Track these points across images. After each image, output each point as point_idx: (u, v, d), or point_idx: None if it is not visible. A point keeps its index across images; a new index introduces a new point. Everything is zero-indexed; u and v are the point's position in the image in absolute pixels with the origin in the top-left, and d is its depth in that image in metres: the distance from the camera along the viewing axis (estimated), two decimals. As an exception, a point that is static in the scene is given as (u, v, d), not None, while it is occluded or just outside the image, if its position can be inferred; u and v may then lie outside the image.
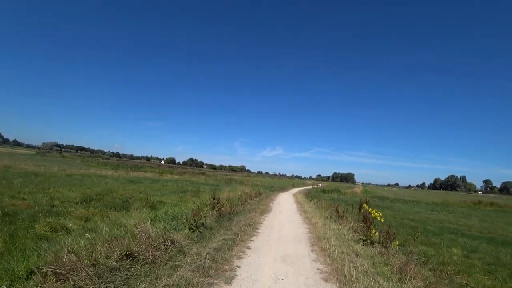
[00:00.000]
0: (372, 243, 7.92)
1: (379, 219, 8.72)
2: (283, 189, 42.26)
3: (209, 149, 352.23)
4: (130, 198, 14.27)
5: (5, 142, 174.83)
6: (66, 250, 3.86)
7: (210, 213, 9.69)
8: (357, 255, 6.35)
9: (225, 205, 11.14)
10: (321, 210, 14.98)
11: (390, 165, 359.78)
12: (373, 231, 8.27)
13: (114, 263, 4.15)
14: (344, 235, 8.55)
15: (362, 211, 9.54)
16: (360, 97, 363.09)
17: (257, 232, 8.10)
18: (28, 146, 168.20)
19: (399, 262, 6.42)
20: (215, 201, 9.82)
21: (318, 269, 5.10)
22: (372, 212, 8.79)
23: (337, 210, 12.19)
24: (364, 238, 8.08)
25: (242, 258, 5.41)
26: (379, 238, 8.04)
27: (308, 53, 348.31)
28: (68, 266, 3.56)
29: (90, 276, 3.67)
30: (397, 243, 8.13)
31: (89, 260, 3.99)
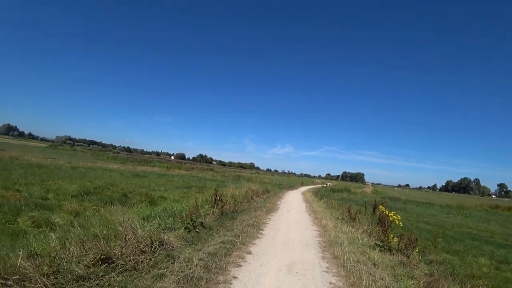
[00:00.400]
0: (390, 249, 7.04)
1: (397, 222, 7.81)
2: (292, 187, 41.36)
3: (219, 145, 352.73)
4: (131, 192, 13.70)
5: (21, 135, 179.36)
6: (21, 253, 3.15)
7: (211, 211, 8.96)
8: (375, 265, 5.50)
9: (228, 203, 10.40)
10: (332, 211, 14.11)
11: (401, 165, 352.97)
12: (391, 235, 7.39)
13: (82, 270, 3.42)
14: (358, 240, 7.69)
15: (377, 213, 8.65)
16: (370, 96, 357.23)
17: (261, 234, 7.31)
18: (43, 140, 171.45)
19: (424, 275, 5.55)
20: (217, 198, 9.07)
21: (330, 284, 4.28)
22: (390, 214, 7.90)
23: (349, 211, 11.31)
24: (380, 244, 7.21)
25: (240, 266, 4.63)
26: (398, 244, 7.16)
27: (320, 50, 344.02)
28: (17, 276, 2.84)
29: (47, 287, 2.95)
30: (417, 250, 7.24)
31: (50, 266, 3.27)
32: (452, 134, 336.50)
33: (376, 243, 7.37)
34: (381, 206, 8.43)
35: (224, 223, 8.03)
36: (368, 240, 7.82)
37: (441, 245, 9.52)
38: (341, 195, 37.67)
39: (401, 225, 7.97)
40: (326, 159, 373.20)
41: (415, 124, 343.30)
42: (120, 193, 12.60)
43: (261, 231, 7.58)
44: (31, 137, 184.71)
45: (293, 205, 15.26)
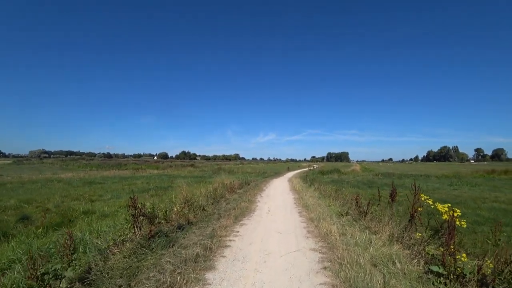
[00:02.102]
0: (460, 282, 3.53)
1: (459, 223, 4.24)
2: (277, 174, 37.96)
3: (202, 140, 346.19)
4: (47, 210, 9.68)
5: None
6: None
7: (132, 232, 5.19)
8: None
9: (169, 215, 6.65)
10: (328, 201, 10.60)
11: (382, 141, 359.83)
12: (458, 255, 3.83)
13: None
14: (396, 265, 4.10)
15: (414, 206, 5.12)
16: (347, 75, 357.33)
17: (206, 280, 3.61)
18: (15, 156, 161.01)
19: None
20: (137, 212, 5.23)
21: None
22: (442, 208, 4.36)
23: (357, 202, 7.76)
24: (442, 272, 3.68)
25: None
26: (477, 272, 3.59)
27: (293, 35, 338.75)
28: None
29: None
30: (490, 265, 3.73)
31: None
32: (430, 105, 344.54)
33: (430, 269, 3.84)
34: (422, 195, 4.86)
35: (144, 259, 4.27)
36: (413, 263, 4.24)
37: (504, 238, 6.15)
38: (331, 177, 34.64)
39: (464, 226, 4.42)
40: (309, 142, 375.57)
41: (394, 99, 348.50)
42: (18, 215, 8.52)
43: (206, 275, 3.84)
44: (1, 155, 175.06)
45: (277, 199, 11.64)
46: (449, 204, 4.44)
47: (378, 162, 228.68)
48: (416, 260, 4.30)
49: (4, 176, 28.34)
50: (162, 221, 6.32)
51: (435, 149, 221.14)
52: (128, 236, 5.11)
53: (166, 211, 6.76)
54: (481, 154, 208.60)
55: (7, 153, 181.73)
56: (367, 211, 7.32)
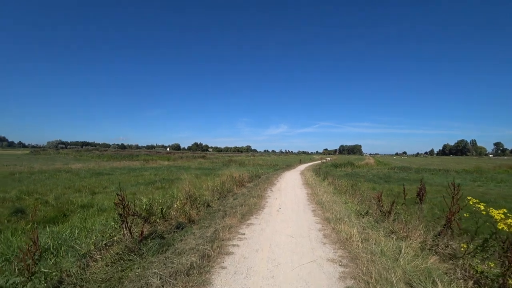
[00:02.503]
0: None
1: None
2: (289, 166, 37.08)
3: (214, 132, 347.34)
4: (46, 202, 9.21)
5: (10, 145, 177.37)
6: None
7: (121, 233, 4.51)
8: None
9: (167, 212, 5.97)
10: (344, 197, 9.72)
11: (396, 134, 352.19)
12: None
13: None
14: (438, 286, 3.26)
15: (451, 208, 4.24)
16: (360, 68, 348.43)
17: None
18: (33, 147, 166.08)
19: None
20: (125, 212, 4.52)
21: None
22: (498, 215, 3.48)
23: (379, 200, 6.86)
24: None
25: None
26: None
27: (306, 28, 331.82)
28: None
29: None
30: None
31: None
32: (445, 98, 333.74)
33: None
34: (469, 197, 3.95)
35: (130, 268, 3.58)
36: (458, 280, 3.38)
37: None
38: (345, 170, 33.53)
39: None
40: (321, 135, 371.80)
41: (408, 92, 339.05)
42: (13, 208, 8.03)
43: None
44: (22, 145, 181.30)
45: (289, 194, 10.84)
46: (504, 210, 3.54)
47: (392, 155, 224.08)
48: (463, 279, 3.44)
49: (18, 166, 28.62)
50: (158, 220, 5.62)
51: (451, 142, 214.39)
52: (115, 238, 4.43)
53: (163, 208, 6.07)
54: (501, 148, 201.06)
55: (26, 144, 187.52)
56: (390, 211, 6.44)
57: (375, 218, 6.55)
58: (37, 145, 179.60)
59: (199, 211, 7.12)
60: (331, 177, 17.37)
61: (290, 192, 11.51)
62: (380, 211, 6.81)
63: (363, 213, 7.09)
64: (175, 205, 6.50)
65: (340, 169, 35.64)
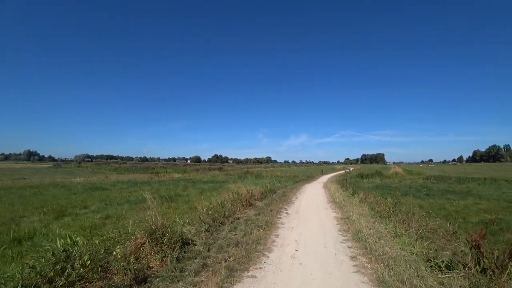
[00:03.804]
0: None
1: None
2: (310, 178, 33.84)
3: (234, 144, 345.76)
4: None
5: (41, 159, 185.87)
6: None
7: None
8: None
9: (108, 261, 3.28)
10: (392, 225, 6.67)
11: (419, 141, 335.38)
12: None
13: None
14: None
15: None
16: (380, 74, 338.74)
17: None
18: (62, 161, 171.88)
19: None
20: None
21: None
22: None
23: (477, 246, 3.85)
24: None
25: None
26: None
27: (324, 36, 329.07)
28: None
29: None
30: None
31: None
32: (471, 102, 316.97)
33: None
34: None
35: None
36: None
37: None
38: (373, 181, 29.86)
39: None
40: (342, 144, 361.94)
41: (431, 97, 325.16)
42: None
43: None
44: (52, 159, 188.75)
45: (312, 219, 7.87)
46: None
47: (418, 163, 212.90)
48: None
49: (27, 179, 27.46)
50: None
51: (482, 148, 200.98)
52: None
53: (94, 256, 3.40)
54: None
55: (56, 158, 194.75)
56: (503, 263, 3.44)
57: (468, 275, 3.56)
58: (66, 158, 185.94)
59: (165, 257, 4.40)
60: (363, 192, 14.22)
61: (312, 215, 8.54)
62: (478, 263, 3.79)
63: (441, 264, 4.08)
64: (116, 252, 3.81)
65: (367, 180, 31.92)
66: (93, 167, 79.55)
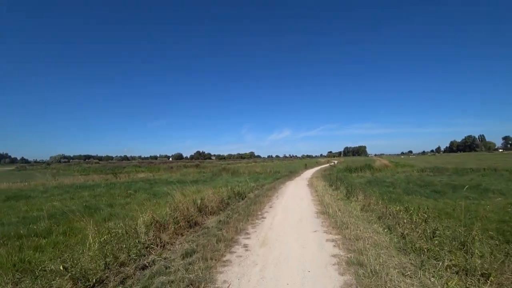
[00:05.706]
0: None
1: None
2: (293, 173, 30.43)
3: (218, 139, 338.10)
4: None
5: (13, 161, 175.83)
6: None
7: None
8: None
9: None
10: (433, 264, 3.17)
11: (399, 133, 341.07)
12: None
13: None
14: None
15: None
16: (362, 68, 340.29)
17: None
18: (37, 162, 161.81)
19: None
20: None
21: None
22: None
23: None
24: None
25: None
26: None
27: (305, 29, 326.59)
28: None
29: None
30: None
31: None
32: (447, 94, 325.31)
33: None
34: None
35: None
36: None
37: None
38: (363, 176, 26.76)
39: None
40: (325, 138, 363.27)
41: (410, 91, 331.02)
42: None
43: None
44: (25, 161, 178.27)
45: (291, 248, 4.23)
46: None
47: (398, 155, 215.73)
48: None
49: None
50: None
51: (458, 139, 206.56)
52: None
53: None
54: (510, 142, 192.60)
55: (30, 159, 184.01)
56: None
57: None
58: (41, 160, 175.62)
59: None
60: (359, 192, 10.79)
61: (292, 237, 4.90)
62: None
63: None
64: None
65: (356, 174, 28.73)
66: (62, 168, 73.27)
